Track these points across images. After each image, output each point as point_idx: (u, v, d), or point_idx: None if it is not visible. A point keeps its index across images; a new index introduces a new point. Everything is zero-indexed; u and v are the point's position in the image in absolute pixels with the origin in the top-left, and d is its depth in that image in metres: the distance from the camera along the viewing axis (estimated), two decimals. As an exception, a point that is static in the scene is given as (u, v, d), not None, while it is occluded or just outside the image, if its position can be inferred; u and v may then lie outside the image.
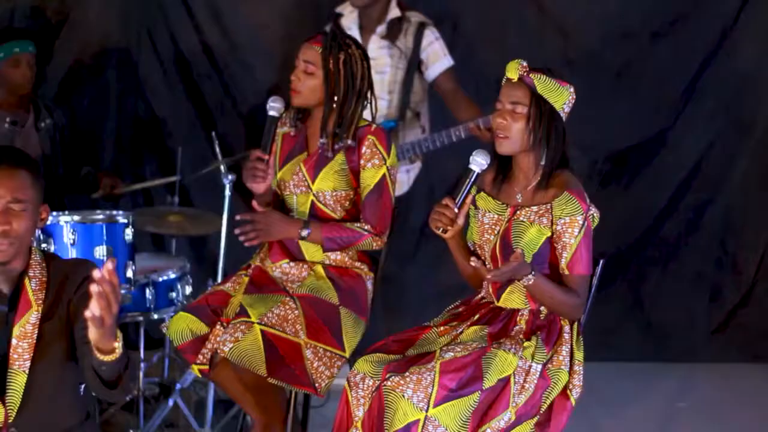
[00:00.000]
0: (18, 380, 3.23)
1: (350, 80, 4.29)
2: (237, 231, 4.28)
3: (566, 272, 3.82)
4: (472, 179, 3.83)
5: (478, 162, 3.82)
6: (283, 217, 4.34)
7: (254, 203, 4.35)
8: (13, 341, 3.22)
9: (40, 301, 3.27)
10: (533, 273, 3.73)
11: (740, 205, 6.68)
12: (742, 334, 6.65)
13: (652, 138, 6.59)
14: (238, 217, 4.30)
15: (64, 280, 3.31)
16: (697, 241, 6.68)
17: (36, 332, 3.25)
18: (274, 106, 4.29)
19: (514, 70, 3.84)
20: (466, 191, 3.81)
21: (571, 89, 3.86)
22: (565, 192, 3.81)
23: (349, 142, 4.28)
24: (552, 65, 6.01)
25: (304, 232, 4.27)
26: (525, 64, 3.84)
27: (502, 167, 3.97)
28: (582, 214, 3.78)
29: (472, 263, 3.76)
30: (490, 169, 3.95)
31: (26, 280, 3.27)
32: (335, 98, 4.28)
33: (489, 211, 3.96)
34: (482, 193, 4.02)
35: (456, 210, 3.81)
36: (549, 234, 3.82)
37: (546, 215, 3.82)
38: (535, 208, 3.85)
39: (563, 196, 3.80)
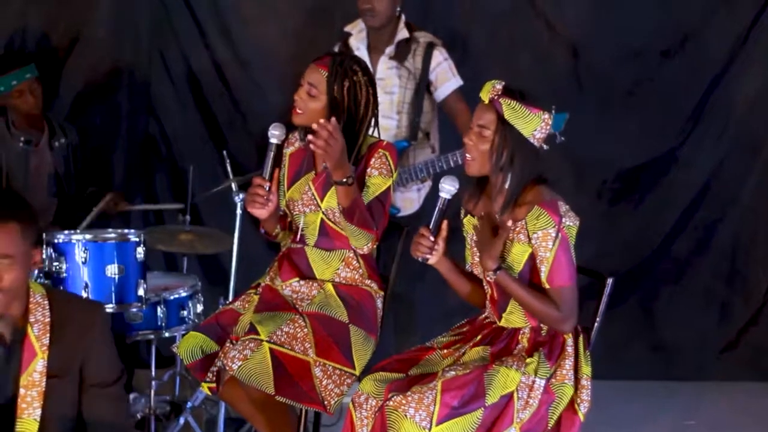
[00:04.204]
0: (29, 428, 3.20)
1: (353, 108, 4.29)
2: (315, 126, 4.13)
3: (547, 286, 3.80)
4: (443, 206, 3.87)
5: (446, 189, 3.87)
6: (343, 152, 4.18)
7: (261, 225, 4.39)
8: (21, 391, 3.17)
9: (45, 347, 3.22)
10: (497, 272, 3.77)
11: (750, 223, 6.68)
12: (752, 352, 6.64)
13: (662, 156, 6.60)
14: (321, 121, 4.13)
15: (74, 331, 3.27)
16: (707, 260, 6.68)
17: (44, 381, 3.20)
18: (274, 134, 4.26)
19: (486, 92, 3.85)
20: (438, 218, 3.86)
21: (545, 116, 3.81)
22: (536, 206, 3.79)
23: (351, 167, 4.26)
24: (562, 84, 6.08)
25: (350, 180, 4.18)
26: (499, 86, 3.82)
27: (480, 186, 3.99)
28: (554, 226, 3.76)
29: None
30: (469, 188, 3.99)
31: (28, 328, 3.21)
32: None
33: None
34: (469, 216, 4.04)
35: (432, 237, 3.84)
36: (530, 250, 3.82)
37: (522, 232, 3.82)
38: (512, 226, 3.86)
39: (534, 210, 3.79)
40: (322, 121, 4.12)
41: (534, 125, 3.80)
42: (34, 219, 3.31)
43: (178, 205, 5.73)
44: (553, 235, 3.76)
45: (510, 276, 3.81)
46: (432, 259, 3.90)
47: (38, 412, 3.19)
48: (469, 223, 4.03)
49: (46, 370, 3.21)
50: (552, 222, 3.76)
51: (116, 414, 3.37)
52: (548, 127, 3.84)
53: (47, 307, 3.27)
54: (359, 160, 4.31)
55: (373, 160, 4.30)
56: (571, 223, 3.81)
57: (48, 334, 3.23)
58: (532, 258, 3.82)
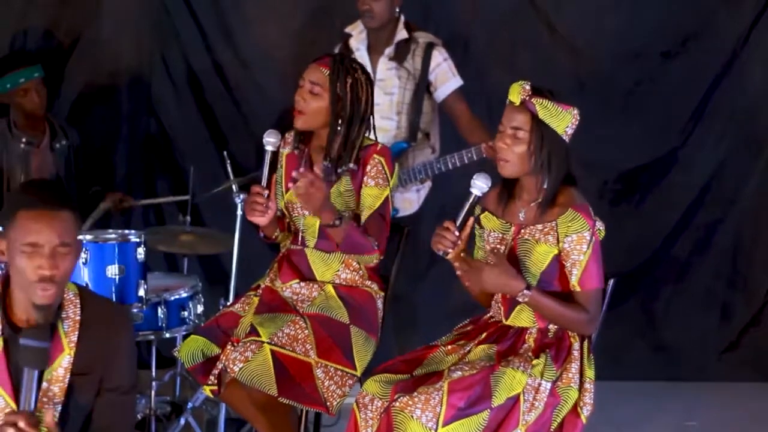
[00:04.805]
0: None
1: (356, 104, 4.30)
2: (294, 174, 4.16)
3: (578, 289, 3.80)
4: (473, 202, 3.85)
5: (479, 185, 3.84)
6: (327, 198, 4.20)
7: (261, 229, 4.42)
8: (44, 385, 3.17)
9: (73, 344, 3.22)
10: (528, 290, 3.74)
11: (751, 224, 6.68)
12: (753, 353, 6.64)
13: (663, 157, 6.60)
14: (301, 170, 4.15)
15: (102, 332, 3.27)
16: (708, 260, 6.68)
17: (68, 377, 3.21)
18: (270, 141, 4.23)
19: (516, 94, 3.83)
20: (466, 214, 3.83)
21: (575, 112, 3.83)
22: (570, 209, 3.80)
23: (351, 165, 4.28)
24: (563, 85, 6.09)
25: (337, 222, 4.22)
26: (528, 87, 3.82)
27: (507, 186, 3.98)
28: (589, 230, 3.77)
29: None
30: (495, 187, 3.97)
31: (59, 323, 3.21)
32: (340, 122, 4.28)
33: (493, 231, 3.97)
34: (486, 212, 4.03)
35: (456, 233, 3.82)
36: (556, 252, 3.82)
37: (551, 233, 3.82)
38: (539, 227, 3.85)
39: (568, 213, 3.79)
40: (302, 169, 4.13)
41: (566, 122, 3.82)
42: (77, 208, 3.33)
43: (182, 197, 5.72)
44: (588, 238, 3.77)
45: (541, 292, 3.78)
46: (451, 255, 3.87)
47: (58, 408, 3.19)
48: (486, 219, 4.02)
49: (71, 367, 3.22)
50: (587, 225, 3.77)
51: (125, 423, 3.38)
52: (577, 123, 3.85)
53: (78, 306, 3.28)
54: (357, 162, 4.30)
55: (368, 167, 4.30)
56: (601, 227, 3.85)
57: (77, 332, 3.24)
58: (557, 259, 3.83)
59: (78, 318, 3.25)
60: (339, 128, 4.28)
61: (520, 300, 3.78)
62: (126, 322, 3.39)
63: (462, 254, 3.86)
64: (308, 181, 4.08)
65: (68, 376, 3.21)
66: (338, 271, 4.38)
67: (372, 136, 4.47)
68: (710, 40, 6.51)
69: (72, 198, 3.30)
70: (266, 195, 4.22)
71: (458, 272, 3.85)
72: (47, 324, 3.17)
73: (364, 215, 4.33)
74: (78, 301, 3.28)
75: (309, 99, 4.31)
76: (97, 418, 3.28)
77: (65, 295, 3.26)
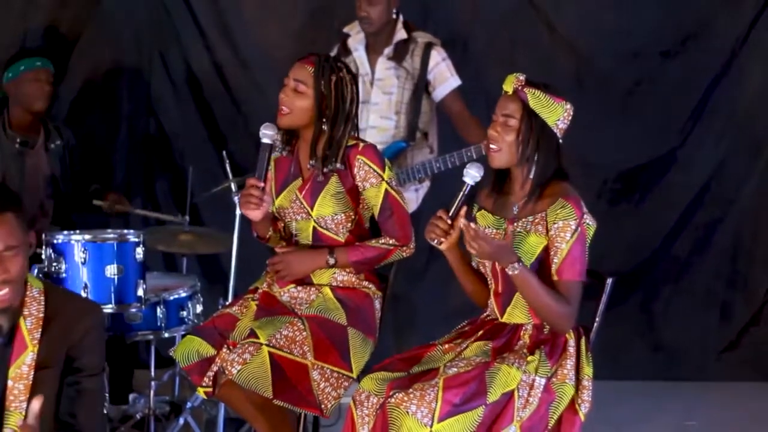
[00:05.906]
0: (15, 420, 3.19)
1: (340, 102, 4.28)
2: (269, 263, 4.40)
3: (556, 278, 3.80)
4: (466, 191, 3.84)
5: (472, 174, 3.83)
6: (304, 253, 4.34)
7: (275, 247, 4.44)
8: (9, 383, 3.16)
9: (36, 341, 3.21)
10: (520, 263, 3.73)
11: (751, 223, 6.69)
12: (752, 352, 6.64)
13: (662, 157, 6.60)
14: (269, 260, 4.39)
15: (65, 323, 3.26)
16: (708, 260, 6.69)
17: (32, 374, 3.19)
18: (266, 134, 4.20)
19: (509, 83, 3.86)
20: (459, 203, 3.82)
21: (568, 106, 3.85)
22: (560, 199, 3.80)
23: (338, 165, 4.27)
24: (562, 84, 6.08)
25: (331, 261, 4.30)
26: (522, 78, 3.85)
27: (499, 181, 3.99)
28: (575, 219, 3.77)
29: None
30: (488, 182, 3.97)
31: (21, 321, 3.20)
32: (324, 120, 4.27)
33: (488, 227, 3.97)
34: (482, 210, 4.03)
35: (449, 222, 3.82)
36: (546, 242, 3.81)
37: (541, 223, 3.82)
38: (530, 218, 3.85)
39: (558, 202, 3.80)
40: (274, 256, 4.34)
41: (558, 114, 3.83)
42: (22, 203, 3.30)
43: (178, 219, 5.69)
44: (573, 227, 3.77)
45: (530, 271, 3.78)
46: (444, 245, 3.86)
47: (24, 405, 3.18)
48: (481, 216, 4.02)
49: (35, 363, 3.21)
50: (574, 215, 3.77)
51: (92, 406, 3.37)
52: (570, 117, 3.86)
53: (42, 303, 3.27)
54: (343, 161, 4.29)
55: (355, 171, 4.29)
56: (591, 222, 3.84)
57: (40, 329, 3.23)
58: (545, 252, 3.83)
59: (41, 315, 3.24)
60: (323, 127, 4.28)
61: (510, 272, 3.75)
62: (91, 310, 3.37)
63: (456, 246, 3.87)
64: (278, 264, 4.34)
65: (32, 372, 3.20)
66: (334, 273, 4.37)
67: (361, 137, 4.47)
68: (709, 40, 6.52)
69: (13, 196, 3.27)
70: (262, 188, 4.21)
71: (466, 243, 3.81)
72: (10, 326, 3.15)
73: (376, 216, 4.34)
74: (42, 297, 3.27)
75: (293, 97, 4.28)
76: (64, 401, 3.27)
77: (28, 292, 3.25)
